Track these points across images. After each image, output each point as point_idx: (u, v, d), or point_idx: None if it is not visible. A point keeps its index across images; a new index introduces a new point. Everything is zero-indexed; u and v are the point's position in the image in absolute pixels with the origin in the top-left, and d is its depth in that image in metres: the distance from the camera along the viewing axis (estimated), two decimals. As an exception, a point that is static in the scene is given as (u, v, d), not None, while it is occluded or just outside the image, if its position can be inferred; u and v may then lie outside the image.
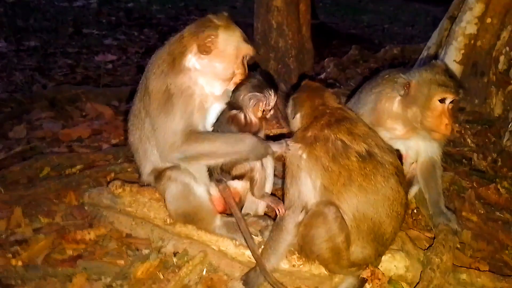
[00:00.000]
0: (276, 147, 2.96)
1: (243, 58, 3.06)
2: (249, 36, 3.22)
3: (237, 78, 3.07)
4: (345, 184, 2.76)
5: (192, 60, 2.95)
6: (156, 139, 3.00)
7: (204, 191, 3.10)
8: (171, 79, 2.92)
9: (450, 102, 3.25)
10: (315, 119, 2.99)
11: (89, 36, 10.07)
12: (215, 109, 3.14)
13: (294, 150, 2.90)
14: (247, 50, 3.04)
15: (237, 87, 3.08)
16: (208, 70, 2.97)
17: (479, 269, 3.25)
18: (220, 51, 2.95)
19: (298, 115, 3.12)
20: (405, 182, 3.02)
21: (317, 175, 2.81)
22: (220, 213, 3.22)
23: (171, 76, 2.92)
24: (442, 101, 3.23)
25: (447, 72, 3.33)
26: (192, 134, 2.91)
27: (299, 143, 2.90)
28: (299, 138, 2.95)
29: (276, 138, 4.71)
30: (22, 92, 6.47)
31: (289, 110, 3.25)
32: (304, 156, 2.86)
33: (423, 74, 3.31)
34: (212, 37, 2.91)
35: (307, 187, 2.85)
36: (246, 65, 3.10)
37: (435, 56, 5.91)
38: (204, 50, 2.91)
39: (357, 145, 2.83)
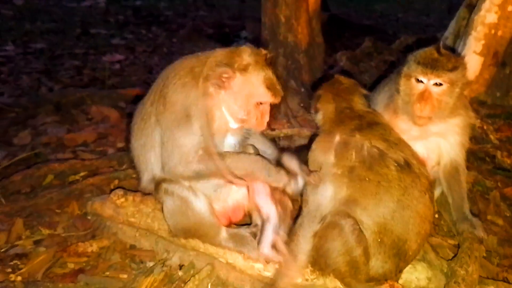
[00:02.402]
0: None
1: (258, 104, 2.88)
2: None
3: (251, 124, 2.93)
4: (382, 198, 2.57)
5: (212, 88, 2.81)
6: (165, 151, 2.85)
7: (204, 205, 2.92)
8: (193, 99, 2.78)
9: (435, 84, 3.00)
10: (342, 123, 2.78)
11: (97, 36, 9.96)
12: (229, 140, 3.01)
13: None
14: (263, 97, 2.86)
15: None
16: (225, 102, 2.85)
17: (507, 280, 3.02)
18: (234, 92, 2.81)
19: (320, 113, 2.94)
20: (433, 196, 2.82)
21: (348, 185, 2.62)
22: (226, 226, 3.04)
23: (193, 95, 2.78)
24: (419, 81, 3.02)
25: (438, 51, 3.03)
26: (206, 153, 2.78)
27: (326, 149, 2.69)
28: (323, 144, 2.75)
29: (287, 138, 4.62)
30: (29, 96, 6.37)
31: (312, 104, 3.08)
32: (332, 162, 2.65)
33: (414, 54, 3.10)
34: (228, 76, 2.76)
35: (330, 196, 2.68)
36: (263, 111, 2.91)
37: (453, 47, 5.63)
38: (218, 85, 2.78)
39: (394, 153, 2.63)
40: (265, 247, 2.86)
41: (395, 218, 2.58)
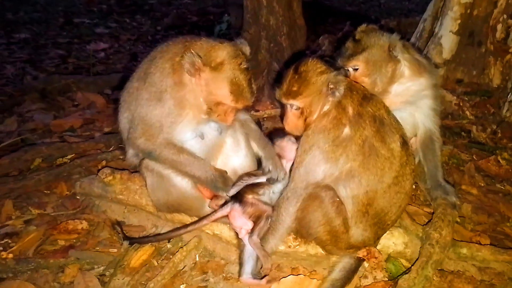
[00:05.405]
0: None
1: (219, 103, 2.84)
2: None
3: (213, 118, 2.93)
4: (384, 173, 2.64)
5: (188, 77, 2.83)
6: (133, 122, 2.93)
7: (186, 180, 2.98)
8: (169, 85, 2.83)
9: (353, 69, 3.22)
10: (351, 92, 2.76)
11: (81, 25, 9.93)
12: (211, 124, 3.04)
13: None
14: (224, 99, 2.82)
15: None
16: (195, 91, 2.85)
17: (480, 243, 3.16)
18: (201, 84, 2.81)
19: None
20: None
21: (355, 158, 2.62)
22: (210, 198, 3.13)
23: (170, 81, 2.83)
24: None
25: (354, 39, 3.25)
26: (169, 144, 2.86)
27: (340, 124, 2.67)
28: (332, 121, 2.69)
29: (271, 119, 4.72)
30: (14, 85, 6.37)
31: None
32: (348, 132, 2.64)
33: None
34: (197, 67, 2.75)
35: (321, 173, 2.69)
36: (226, 110, 2.89)
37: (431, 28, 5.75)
38: (190, 72, 2.77)
39: (397, 129, 2.72)
40: (245, 275, 2.88)
41: (387, 191, 2.67)
